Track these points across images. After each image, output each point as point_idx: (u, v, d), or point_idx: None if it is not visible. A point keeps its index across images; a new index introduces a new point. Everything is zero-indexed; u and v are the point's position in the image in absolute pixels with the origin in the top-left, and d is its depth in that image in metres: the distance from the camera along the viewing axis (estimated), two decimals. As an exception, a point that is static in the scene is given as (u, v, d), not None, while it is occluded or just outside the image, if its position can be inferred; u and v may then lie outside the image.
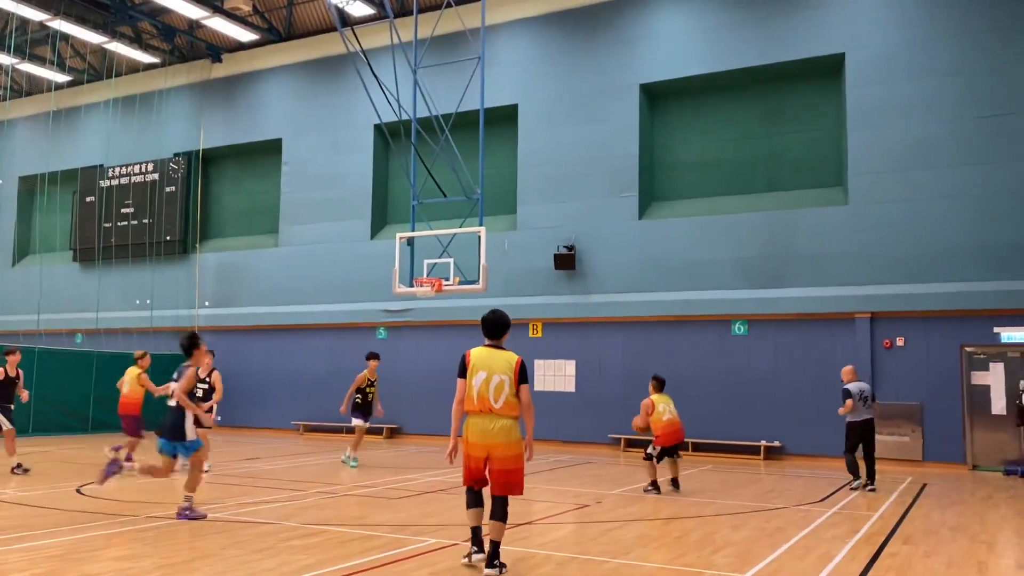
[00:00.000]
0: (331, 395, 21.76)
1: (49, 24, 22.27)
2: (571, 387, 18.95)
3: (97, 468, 13.26)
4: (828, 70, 17.73)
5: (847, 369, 12.86)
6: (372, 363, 14.47)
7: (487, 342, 6.86)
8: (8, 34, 23.82)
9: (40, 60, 25.61)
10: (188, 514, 8.53)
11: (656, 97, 19.49)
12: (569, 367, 19.07)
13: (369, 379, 14.42)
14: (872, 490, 12.06)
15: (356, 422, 14.41)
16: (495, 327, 6.89)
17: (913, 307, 16.12)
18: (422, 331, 20.90)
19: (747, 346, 17.50)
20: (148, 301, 24.74)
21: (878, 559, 7.32)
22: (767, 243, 17.44)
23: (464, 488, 6.70)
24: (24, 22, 23.19)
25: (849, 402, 12.25)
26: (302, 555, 6.98)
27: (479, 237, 15.60)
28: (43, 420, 20.26)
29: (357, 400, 14.35)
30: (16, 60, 24.62)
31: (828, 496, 11.46)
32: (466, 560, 6.67)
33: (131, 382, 13.32)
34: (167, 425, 8.60)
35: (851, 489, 12.16)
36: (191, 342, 8.82)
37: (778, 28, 17.82)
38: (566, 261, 18.88)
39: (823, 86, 17.95)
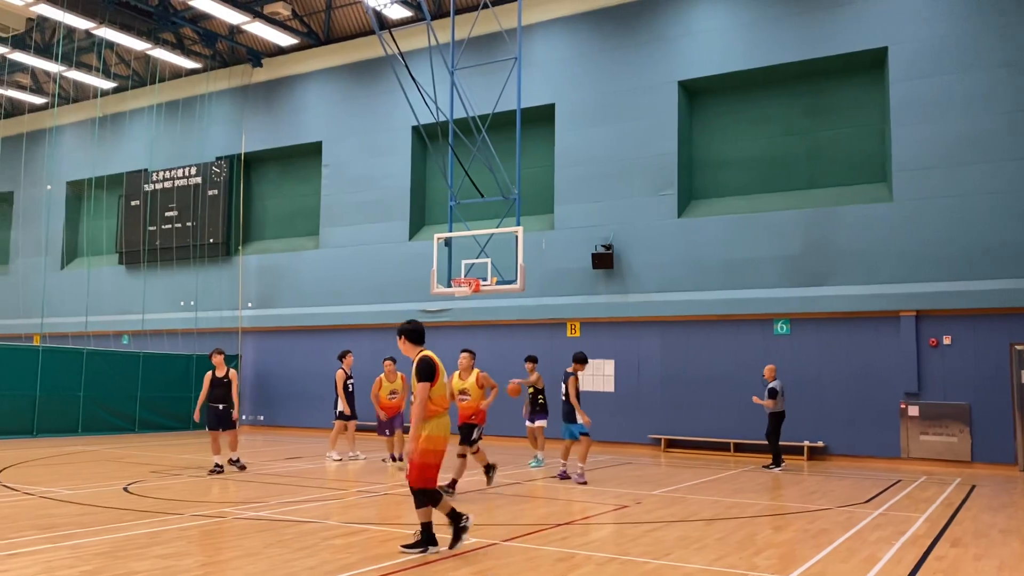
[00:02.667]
0: (367, 395, 21.90)
1: (95, 32, 22.76)
2: (610, 387, 18.85)
3: (146, 468, 13.51)
4: (871, 64, 17.42)
5: (772, 368, 15.02)
6: (528, 365, 14.76)
7: (424, 347, 7.53)
8: (56, 42, 24.40)
9: (86, 67, 26.18)
10: (579, 479, 12.01)
11: (695, 94, 19.32)
12: (608, 367, 18.98)
13: (536, 385, 14.56)
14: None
15: (538, 423, 14.52)
16: (423, 335, 7.61)
17: (960, 305, 15.77)
18: (460, 331, 20.95)
19: (789, 345, 17.26)
20: (192, 303, 25.16)
21: (925, 562, 7.16)
22: (809, 240, 17.19)
23: (419, 490, 7.12)
24: (71, 30, 23.74)
25: (771, 401, 14.66)
26: (343, 554, 7.03)
27: (516, 237, 15.58)
28: (91, 420, 20.76)
29: (540, 401, 14.44)
30: (63, 68, 25.21)
31: (873, 497, 11.25)
32: (424, 551, 7.03)
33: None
34: (565, 412, 12.30)
35: (782, 471, 14.49)
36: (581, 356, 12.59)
37: (819, 22, 17.55)
38: (604, 260, 18.80)
39: (865, 80, 17.64)
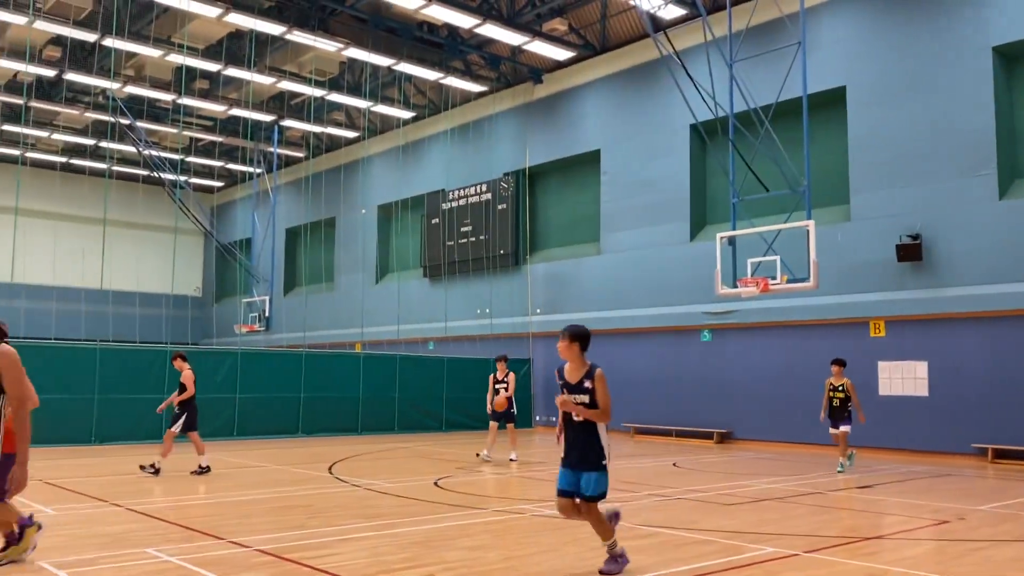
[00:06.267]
0: (659, 398, 21.88)
1: (395, 68, 25.07)
2: (923, 391, 17.13)
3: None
4: None
5: None
6: (834, 368, 14.20)
7: None
8: (364, 81, 27.23)
9: (389, 101, 28.90)
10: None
11: (1014, 60, 17.02)
12: (920, 369, 17.25)
13: (832, 384, 14.16)
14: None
15: (842, 429, 14.15)
16: None
17: None
18: (749, 333, 20.21)
19: None
20: (487, 310, 26.75)
21: None
22: None
23: None
24: (376, 69, 26.36)
25: None
26: (638, 556, 7.04)
27: (807, 231, 14.77)
28: (405, 419, 22.83)
29: (835, 404, 14.17)
30: (371, 103, 28.04)
31: None
32: None
33: None
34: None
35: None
36: None
37: None
38: (911, 252, 17.13)
39: None
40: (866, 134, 18.44)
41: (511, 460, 14.81)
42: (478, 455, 15.24)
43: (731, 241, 16.16)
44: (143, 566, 6.50)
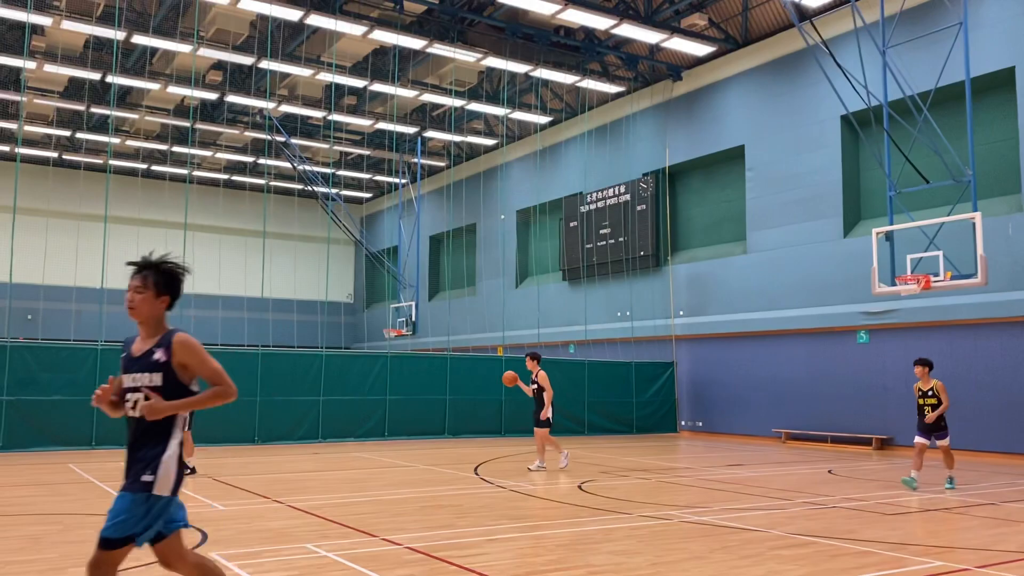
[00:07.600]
0: (812, 402, 20.98)
1: (532, 74, 25.29)
2: (1111, 395, 15.60)
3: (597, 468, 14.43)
4: None
5: None
6: (918, 369, 12.17)
7: None
8: (501, 89, 27.62)
9: (526, 107, 29.19)
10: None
11: None
12: (1107, 370, 15.74)
13: (920, 389, 12.14)
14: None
15: (940, 443, 12.22)
16: None
17: None
18: (910, 333, 19.04)
19: None
20: (628, 313, 26.50)
21: None
22: None
23: None
24: (513, 76, 26.70)
25: None
26: (791, 565, 6.76)
27: (973, 224, 13.78)
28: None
29: (926, 413, 12.12)
30: (508, 110, 28.42)
31: None
32: None
33: None
34: None
35: None
36: None
37: None
38: (1093, 243, 15.66)
39: None
40: (1040, 116, 17.00)
41: (530, 469, 13.92)
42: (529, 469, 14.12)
43: (888, 236, 15.29)
44: (303, 560, 6.83)
